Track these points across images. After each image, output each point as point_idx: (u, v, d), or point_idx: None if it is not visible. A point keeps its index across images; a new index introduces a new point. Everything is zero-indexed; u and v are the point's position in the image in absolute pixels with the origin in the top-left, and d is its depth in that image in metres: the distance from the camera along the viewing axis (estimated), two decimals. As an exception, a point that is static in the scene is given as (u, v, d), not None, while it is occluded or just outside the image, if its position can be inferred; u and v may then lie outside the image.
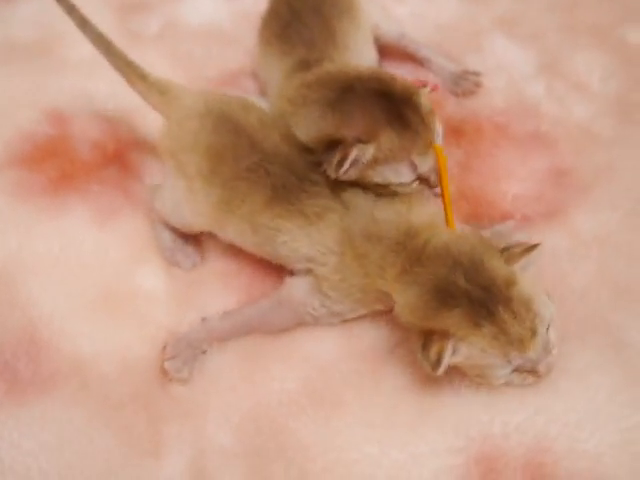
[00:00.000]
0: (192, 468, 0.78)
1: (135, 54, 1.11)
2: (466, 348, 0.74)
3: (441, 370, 0.73)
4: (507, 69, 1.06)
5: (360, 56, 0.98)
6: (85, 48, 1.04)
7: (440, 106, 1.03)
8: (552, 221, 0.93)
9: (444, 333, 0.73)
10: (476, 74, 1.04)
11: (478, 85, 1.03)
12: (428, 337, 0.74)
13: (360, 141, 0.78)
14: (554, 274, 0.88)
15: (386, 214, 0.80)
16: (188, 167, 0.85)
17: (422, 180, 0.81)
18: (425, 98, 0.81)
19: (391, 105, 0.79)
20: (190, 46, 1.14)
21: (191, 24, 1.16)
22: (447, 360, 0.73)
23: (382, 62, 1.05)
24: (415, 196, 0.82)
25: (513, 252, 0.76)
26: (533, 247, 0.76)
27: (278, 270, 0.90)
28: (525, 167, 0.97)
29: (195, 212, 0.87)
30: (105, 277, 0.90)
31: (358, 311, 0.84)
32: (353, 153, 0.77)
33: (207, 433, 0.79)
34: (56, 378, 0.82)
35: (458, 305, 0.73)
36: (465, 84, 1.02)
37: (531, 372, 0.76)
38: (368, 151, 0.78)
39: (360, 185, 0.81)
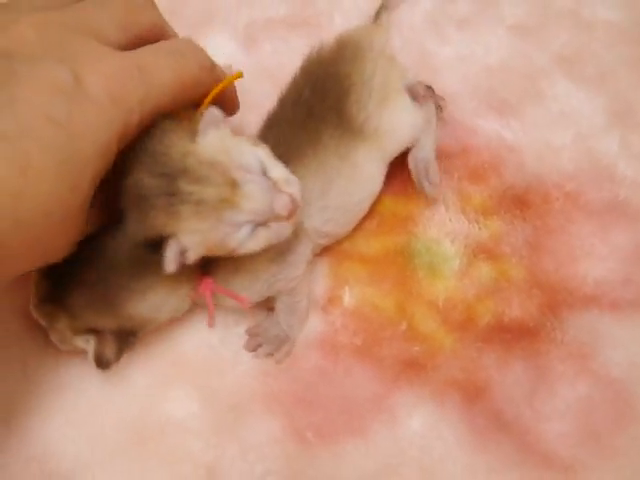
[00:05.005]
0: None
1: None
2: (188, 239, 0.69)
3: (171, 267, 0.68)
4: (573, 120, 0.92)
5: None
6: None
7: (498, 172, 0.90)
8: (645, 309, 0.80)
9: (165, 237, 0.68)
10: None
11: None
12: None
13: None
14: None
15: None
16: None
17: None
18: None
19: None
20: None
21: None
22: (173, 258, 0.68)
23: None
24: None
25: (188, 124, 0.70)
26: (208, 110, 0.71)
27: (328, 389, 0.79)
28: (605, 244, 0.84)
29: None
30: (130, 410, 0.79)
31: None
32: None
33: None
34: None
35: (153, 206, 0.67)
36: None
37: (275, 218, 0.70)
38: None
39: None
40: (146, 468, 0.76)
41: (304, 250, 0.81)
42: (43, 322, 0.77)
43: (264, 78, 0.97)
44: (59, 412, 0.78)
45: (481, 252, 0.85)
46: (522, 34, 0.99)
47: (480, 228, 0.87)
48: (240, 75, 0.79)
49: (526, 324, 0.81)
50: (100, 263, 0.74)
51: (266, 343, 0.82)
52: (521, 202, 0.87)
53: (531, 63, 0.97)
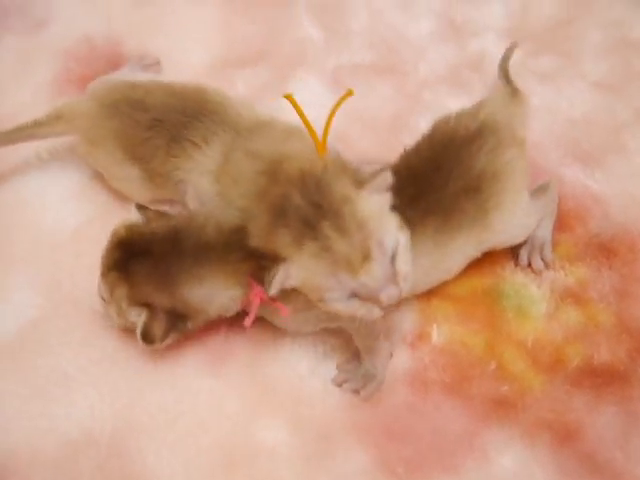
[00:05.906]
0: None
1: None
2: (296, 271, 0.71)
3: (272, 290, 0.71)
4: (656, 172, 0.94)
5: None
6: None
7: (584, 221, 0.92)
8: None
9: (279, 256, 0.71)
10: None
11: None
12: (271, 261, 0.71)
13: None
14: None
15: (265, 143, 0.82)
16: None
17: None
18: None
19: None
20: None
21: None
22: (277, 282, 0.71)
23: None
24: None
25: (362, 176, 0.72)
26: (382, 170, 0.73)
27: (418, 424, 0.79)
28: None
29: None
30: (223, 435, 0.79)
31: None
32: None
33: None
34: None
35: (287, 224, 0.70)
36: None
37: (373, 301, 0.71)
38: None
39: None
40: (238, 493, 0.77)
41: None
42: (105, 292, 0.80)
43: (353, 120, 1.00)
44: (157, 434, 0.79)
45: (568, 297, 0.87)
46: (604, 90, 1.02)
47: (566, 274, 0.88)
48: (351, 93, 0.79)
49: (616, 369, 0.82)
50: (171, 243, 0.78)
51: (353, 379, 0.83)
52: (607, 250, 0.89)
53: (614, 117, 0.99)
